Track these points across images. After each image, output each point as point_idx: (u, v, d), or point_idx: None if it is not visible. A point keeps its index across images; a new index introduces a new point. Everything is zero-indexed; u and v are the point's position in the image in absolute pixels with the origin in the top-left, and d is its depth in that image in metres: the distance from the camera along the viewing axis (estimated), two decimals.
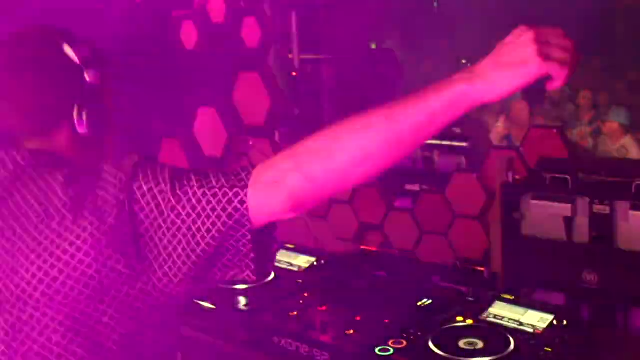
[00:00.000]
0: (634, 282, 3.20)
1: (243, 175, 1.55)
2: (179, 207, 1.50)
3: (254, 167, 1.57)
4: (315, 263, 3.17)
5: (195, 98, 4.64)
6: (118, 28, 4.37)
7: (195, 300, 2.92)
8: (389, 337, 2.50)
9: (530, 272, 3.54)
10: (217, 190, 1.51)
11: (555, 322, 2.53)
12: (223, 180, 1.53)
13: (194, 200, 1.50)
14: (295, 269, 3.17)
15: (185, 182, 1.52)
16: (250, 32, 4.15)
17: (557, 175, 3.45)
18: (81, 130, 1.68)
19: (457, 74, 1.49)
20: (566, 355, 2.38)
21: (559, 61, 1.42)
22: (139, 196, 1.49)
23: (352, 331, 2.55)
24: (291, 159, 1.55)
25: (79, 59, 1.67)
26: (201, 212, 1.49)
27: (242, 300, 2.89)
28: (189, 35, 4.61)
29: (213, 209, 1.50)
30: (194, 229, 1.49)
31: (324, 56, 6.10)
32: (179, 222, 1.50)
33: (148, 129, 4.88)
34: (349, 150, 1.50)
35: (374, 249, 4.19)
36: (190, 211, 1.50)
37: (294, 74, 5.84)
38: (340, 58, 5.94)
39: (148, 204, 1.49)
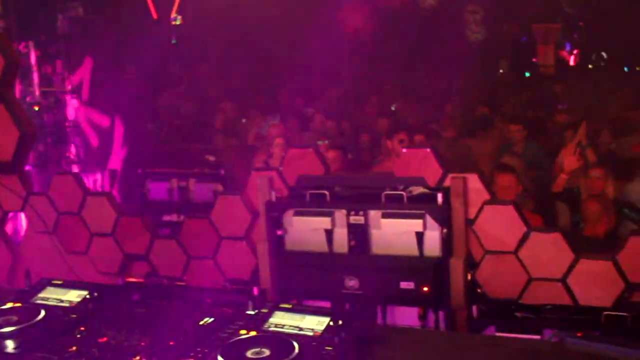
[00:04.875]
0: (388, 283, 3.53)
1: None
2: None
3: None
4: (87, 296, 3.05)
5: None
6: None
7: None
8: (178, 357, 2.50)
9: (297, 284, 3.74)
10: None
11: (331, 323, 2.69)
12: None
13: None
14: (67, 304, 3.02)
15: None
16: None
17: (315, 191, 3.70)
18: None
19: None
20: (345, 351, 2.55)
21: None
22: None
23: (138, 357, 2.51)
24: None
25: None
26: None
27: (10, 344, 2.70)
28: None
29: None
30: None
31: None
32: None
33: None
34: None
35: (141, 280, 4.12)
36: None
37: (36, 107, 5.58)
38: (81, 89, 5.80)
39: None
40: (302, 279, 3.73)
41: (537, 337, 3.36)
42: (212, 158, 5.78)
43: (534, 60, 18.87)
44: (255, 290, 3.92)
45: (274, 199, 3.73)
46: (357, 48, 13.37)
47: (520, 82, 14.82)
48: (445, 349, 2.78)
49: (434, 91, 11.85)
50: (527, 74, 17.92)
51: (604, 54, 18.88)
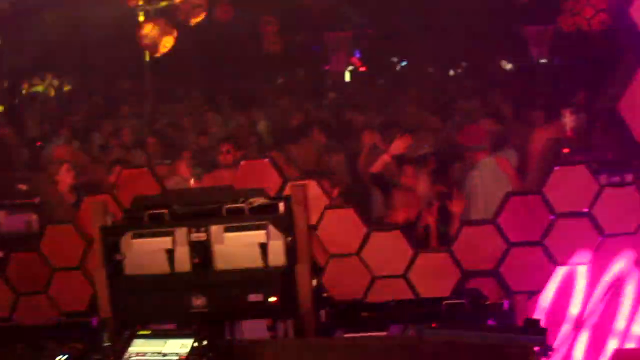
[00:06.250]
0: (236, 298, 3.50)
1: None
2: None
3: None
4: None
5: None
6: None
7: None
8: None
9: (140, 309, 3.59)
10: None
11: (196, 344, 2.63)
12: None
13: None
14: None
15: None
16: None
17: (153, 212, 3.57)
18: None
19: None
20: None
21: None
22: None
23: None
24: None
25: None
26: None
27: None
28: None
29: None
30: None
31: None
32: None
33: None
34: None
35: None
36: None
37: None
38: None
39: None
40: (145, 303, 3.58)
41: (383, 333, 3.50)
42: (24, 187, 5.41)
43: (326, 67, 19.57)
44: (94, 321, 3.74)
45: (109, 223, 3.57)
46: (159, 64, 13.08)
47: (317, 89, 15.34)
48: (310, 355, 2.82)
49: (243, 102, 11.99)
50: (322, 81, 18.57)
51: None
